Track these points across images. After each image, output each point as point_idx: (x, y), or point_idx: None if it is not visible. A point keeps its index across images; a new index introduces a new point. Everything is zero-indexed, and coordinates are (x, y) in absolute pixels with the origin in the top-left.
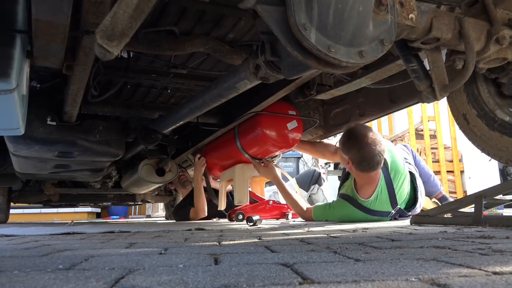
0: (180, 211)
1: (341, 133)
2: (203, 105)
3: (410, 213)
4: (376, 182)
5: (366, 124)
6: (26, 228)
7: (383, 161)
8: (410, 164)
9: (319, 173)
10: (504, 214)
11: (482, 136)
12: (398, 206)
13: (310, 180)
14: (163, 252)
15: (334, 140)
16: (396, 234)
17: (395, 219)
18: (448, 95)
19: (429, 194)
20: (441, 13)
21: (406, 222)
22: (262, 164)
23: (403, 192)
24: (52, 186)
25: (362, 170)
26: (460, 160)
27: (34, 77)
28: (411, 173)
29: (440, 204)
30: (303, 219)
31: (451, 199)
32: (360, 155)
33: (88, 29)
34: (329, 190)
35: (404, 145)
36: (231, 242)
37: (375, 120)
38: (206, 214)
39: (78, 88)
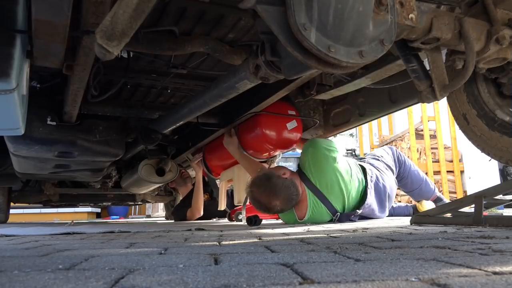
0: (178, 211)
1: (341, 133)
2: (203, 105)
3: (360, 211)
4: (306, 201)
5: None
6: (26, 228)
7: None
8: (375, 159)
9: None
10: (504, 214)
11: (482, 136)
12: (338, 213)
13: None
14: (163, 252)
15: (334, 141)
16: (396, 234)
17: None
18: (448, 95)
19: (425, 199)
20: (441, 13)
21: (406, 222)
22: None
23: (341, 195)
24: (52, 186)
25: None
26: (460, 160)
27: (34, 77)
28: (361, 167)
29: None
30: None
31: (446, 200)
32: (275, 212)
33: (88, 29)
34: None
35: (389, 147)
36: (231, 242)
37: (375, 120)
38: (202, 214)
39: (78, 88)
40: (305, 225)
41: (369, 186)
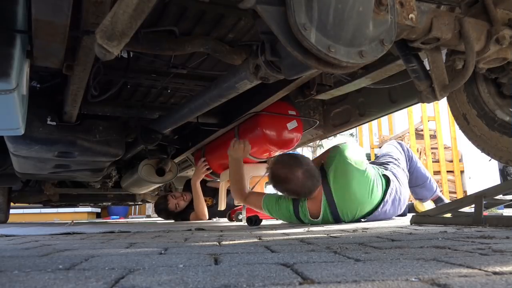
0: (181, 214)
1: (341, 133)
2: (203, 105)
3: (365, 219)
4: (319, 202)
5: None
6: (26, 228)
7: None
8: (396, 165)
9: None
10: (504, 214)
11: (482, 136)
12: (343, 222)
13: None
14: (163, 252)
15: (334, 141)
16: (396, 234)
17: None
18: (448, 95)
19: (425, 197)
20: (441, 13)
21: (406, 222)
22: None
23: (355, 210)
24: (52, 186)
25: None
26: (460, 160)
27: (34, 77)
28: (386, 178)
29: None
30: (237, 199)
31: (447, 201)
32: (291, 189)
33: (88, 29)
34: None
35: (399, 143)
36: (231, 242)
37: (375, 120)
38: (207, 217)
39: (78, 88)
40: (305, 225)
41: (385, 199)
